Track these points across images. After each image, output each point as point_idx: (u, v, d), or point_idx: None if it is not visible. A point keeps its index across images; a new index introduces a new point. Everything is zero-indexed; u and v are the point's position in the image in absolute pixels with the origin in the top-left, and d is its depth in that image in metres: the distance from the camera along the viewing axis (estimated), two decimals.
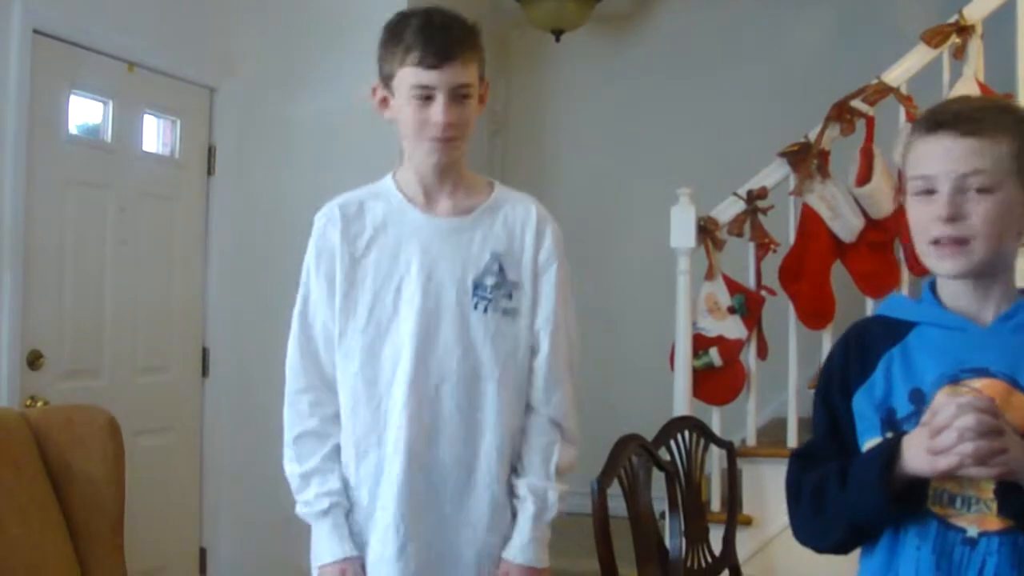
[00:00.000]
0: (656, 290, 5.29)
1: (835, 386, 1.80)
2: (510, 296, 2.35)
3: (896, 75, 4.51)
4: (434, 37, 2.28)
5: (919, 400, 1.68)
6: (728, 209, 4.57)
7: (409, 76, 2.27)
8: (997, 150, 1.68)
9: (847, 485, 1.68)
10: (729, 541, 3.94)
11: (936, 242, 1.69)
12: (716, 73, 6.41)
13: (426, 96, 2.27)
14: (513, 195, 2.52)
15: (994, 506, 1.62)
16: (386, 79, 2.34)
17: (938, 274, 1.74)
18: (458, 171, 2.42)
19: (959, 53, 4.49)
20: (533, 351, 2.40)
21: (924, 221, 1.71)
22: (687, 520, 3.49)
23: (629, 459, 3.08)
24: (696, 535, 3.63)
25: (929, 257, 1.72)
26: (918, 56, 4.54)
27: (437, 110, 2.27)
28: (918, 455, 1.59)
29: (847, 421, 1.77)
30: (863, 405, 1.74)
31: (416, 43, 2.26)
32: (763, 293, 4.54)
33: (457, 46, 2.31)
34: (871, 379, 1.74)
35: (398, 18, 2.35)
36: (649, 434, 3.47)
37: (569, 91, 6.80)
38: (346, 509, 2.32)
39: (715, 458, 4.35)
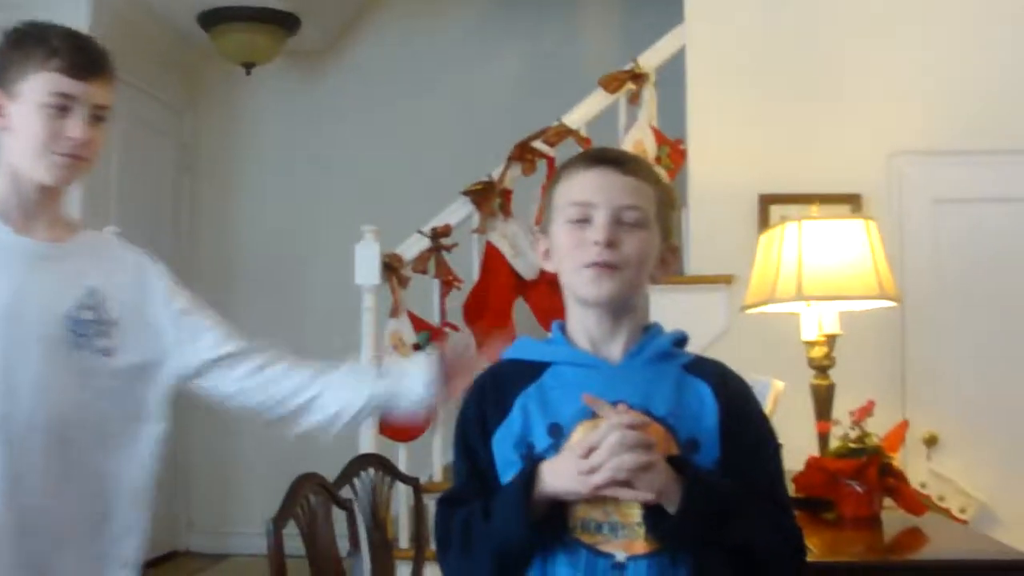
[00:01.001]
0: (342, 327, 5.26)
1: (472, 430, 1.81)
2: (107, 335, 2.13)
3: (576, 118, 4.68)
4: (84, 48, 2.10)
5: (557, 434, 1.72)
6: (413, 246, 4.60)
7: (49, 82, 2.04)
8: (648, 194, 1.78)
9: (490, 518, 1.70)
10: None
11: (591, 265, 1.74)
12: (406, 111, 6.49)
13: (63, 107, 2.05)
14: (109, 236, 2.37)
15: (640, 530, 1.67)
16: (8, 83, 2.08)
17: (587, 299, 1.78)
18: (63, 197, 2.20)
19: (634, 99, 4.71)
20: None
21: (579, 246, 1.76)
22: (374, 558, 3.45)
23: (306, 498, 3.01)
24: (383, 573, 3.59)
25: (581, 281, 1.77)
26: (597, 100, 4.73)
27: (75, 124, 2.06)
28: (567, 477, 1.64)
29: (488, 463, 1.79)
30: (503, 445, 1.77)
31: (64, 49, 2.06)
32: (447, 330, 4.58)
33: (106, 63, 2.14)
34: (508, 419, 1.77)
35: (34, 24, 2.13)
36: (336, 473, 3.42)
37: (260, 125, 6.71)
38: None
39: (401, 495, 4.34)
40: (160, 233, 6.26)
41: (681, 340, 1.85)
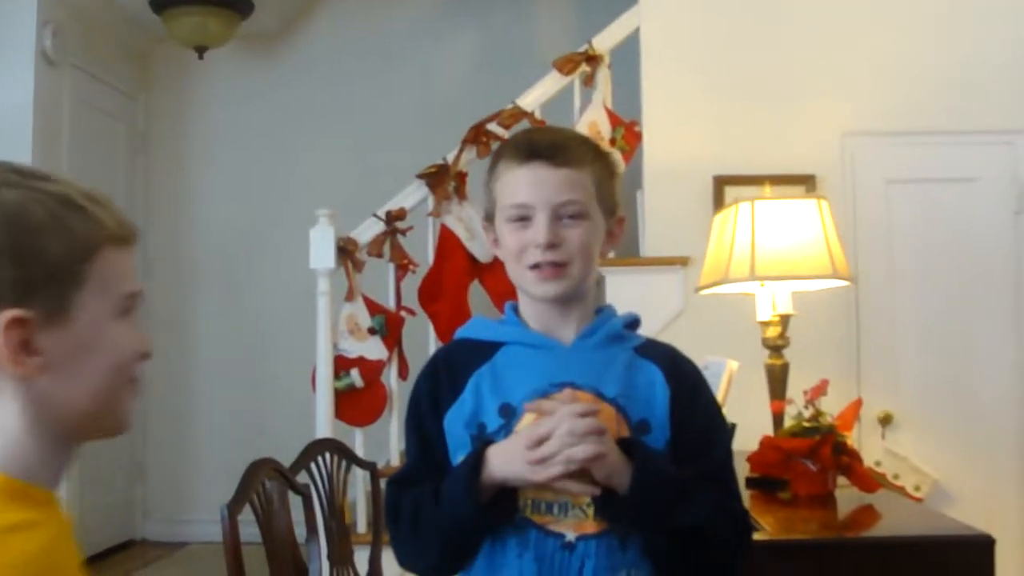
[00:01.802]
0: (298, 311, 5.25)
1: (425, 410, 1.82)
2: None
3: (530, 100, 4.67)
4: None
5: (509, 414, 1.72)
6: (368, 230, 4.58)
7: None
8: (585, 180, 1.76)
9: (440, 500, 1.71)
10: (375, 562, 3.92)
11: (536, 267, 1.75)
12: (361, 95, 6.46)
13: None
14: None
15: (590, 511, 1.68)
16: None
17: (536, 296, 1.79)
18: None
19: (589, 81, 4.71)
20: None
21: (522, 247, 1.76)
22: (331, 543, 3.44)
23: (262, 484, 3.00)
24: (341, 558, 3.58)
25: (527, 281, 1.77)
26: (551, 82, 4.72)
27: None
28: (516, 465, 1.64)
29: (440, 443, 1.79)
30: (454, 424, 1.77)
31: None
32: (403, 314, 4.57)
33: None
34: (461, 399, 1.77)
35: None
36: (293, 459, 3.40)
37: (214, 109, 6.65)
38: None
39: (359, 480, 4.33)
40: None
41: (633, 323, 1.86)
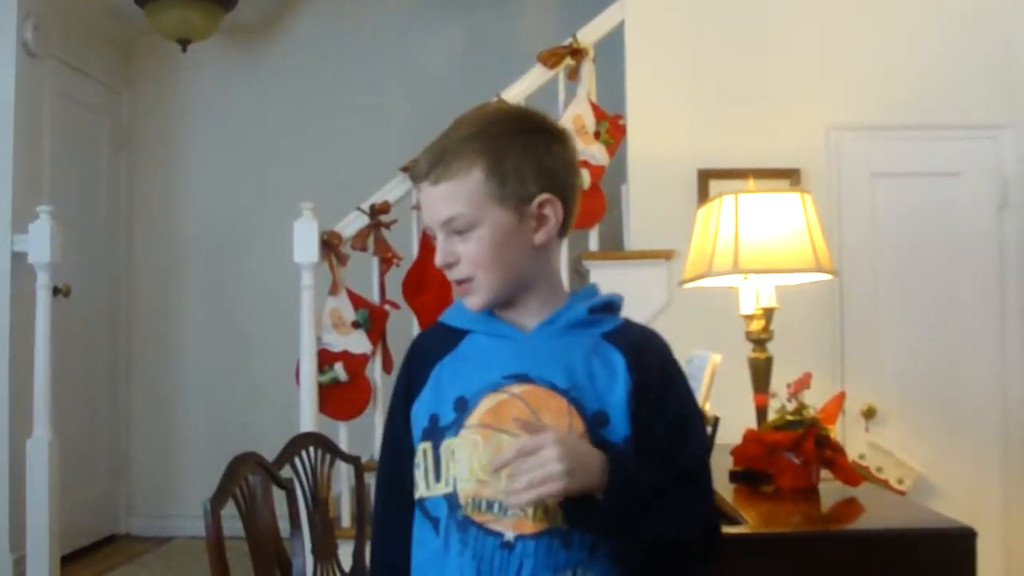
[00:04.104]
0: (283, 305, 5.24)
1: (398, 395, 1.83)
2: None
3: (515, 93, 4.66)
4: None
5: (462, 408, 1.69)
6: (352, 224, 4.57)
7: None
8: (469, 185, 1.69)
9: None
10: (359, 556, 3.91)
11: (452, 284, 1.77)
12: (346, 88, 6.45)
13: None
14: None
15: (530, 511, 1.63)
16: None
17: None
18: None
19: (573, 74, 4.71)
20: None
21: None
22: (315, 537, 3.43)
23: (245, 478, 2.98)
24: (325, 552, 3.57)
25: (457, 296, 1.80)
26: (536, 76, 4.72)
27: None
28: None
29: (402, 430, 1.78)
30: (419, 416, 1.75)
31: None
32: (387, 307, 4.57)
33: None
34: (424, 389, 1.76)
35: None
36: (277, 452, 3.39)
37: (197, 103, 6.63)
38: None
39: (343, 474, 4.32)
40: (95, 213, 6.17)
41: (607, 305, 1.80)
